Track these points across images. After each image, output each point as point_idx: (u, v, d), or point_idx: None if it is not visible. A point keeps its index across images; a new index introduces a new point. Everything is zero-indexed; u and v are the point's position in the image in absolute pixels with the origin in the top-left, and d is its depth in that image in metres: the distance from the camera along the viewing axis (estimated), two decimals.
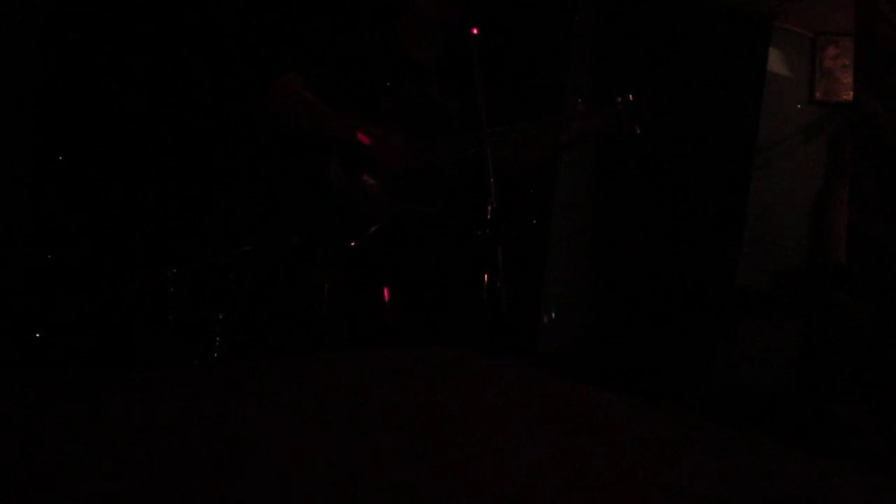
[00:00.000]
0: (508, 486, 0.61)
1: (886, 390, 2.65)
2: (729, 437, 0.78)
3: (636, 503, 0.60)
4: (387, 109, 2.09)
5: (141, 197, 3.03)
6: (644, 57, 4.08)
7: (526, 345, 3.92)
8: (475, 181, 1.90)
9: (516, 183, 2.17)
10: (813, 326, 4.04)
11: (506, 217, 1.68)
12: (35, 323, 2.77)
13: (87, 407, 0.84)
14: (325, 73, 2.11)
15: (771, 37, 4.53)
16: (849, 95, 4.34)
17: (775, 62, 4.65)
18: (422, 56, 2.19)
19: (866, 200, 2.81)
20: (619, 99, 2.11)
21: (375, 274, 2.09)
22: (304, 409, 0.85)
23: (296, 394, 0.94)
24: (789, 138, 4.71)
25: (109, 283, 2.84)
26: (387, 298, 2.08)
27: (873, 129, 2.81)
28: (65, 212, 2.93)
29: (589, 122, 2.12)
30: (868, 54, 2.87)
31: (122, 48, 3.03)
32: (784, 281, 4.18)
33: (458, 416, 0.83)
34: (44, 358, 2.72)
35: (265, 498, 0.57)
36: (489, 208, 1.68)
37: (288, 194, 2.22)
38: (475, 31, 1.83)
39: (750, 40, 4.45)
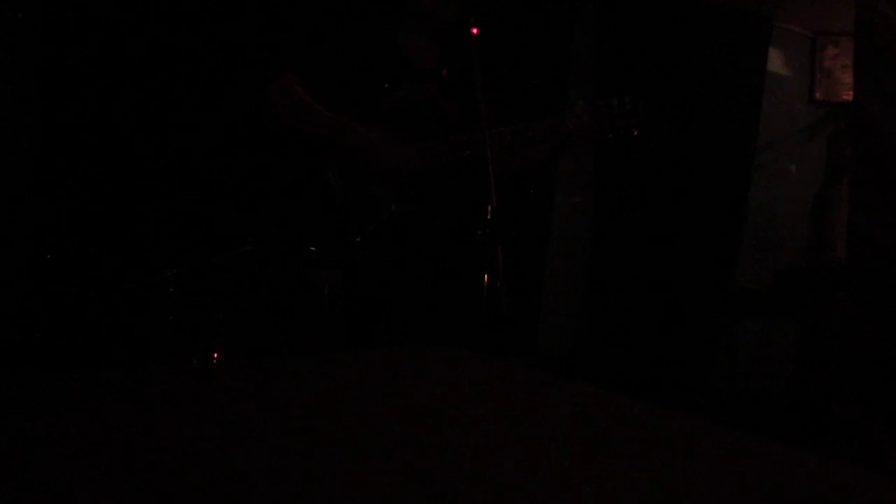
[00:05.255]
0: (508, 485, 0.61)
1: (886, 390, 2.65)
2: (729, 437, 0.78)
3: (636, 502, 0.60)
4: (385, 111, 2.09)
5: (141, 197, 3.03)
6: (644, 57, 4.08)
7: (526, 345, 3.92)
8: (473, 182, 1.90)
9: (513, 184, 2.17)
10: (813, 326, 4.04)
11: (506, 217, 1.68)
12: (35, 323, 2.77)
13: (87, 407, 0.84)
14: (323, 75, 2.11)
15: (771, 37, 4.53)
16: (849, 95, 4.34)
17: (775, 62, 4.65)
18: (420, 57, 2.19)
19: (866, 200, 2.81)
20: (616, 101, 2.10)
21: (375, 274, 2.09)
22: (305, 409, 0.85)
23: (296, 394, 0.94)
24: (789, 138, 4.71)
25: (109, 283, 2.84)
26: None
27: (873, 129, 2.81)
28: (65, 212, 2.93)
29: (584, 123, 2.11)
30: (868, 54, 2.86)
31: (124, 48, 3.03)
32: (784, 281, 4.18)
33: (459, 416, 0.83)
34: (44, 358, 2.72)
35: (266, 497, 0.57)
36: (489, 208, 1.68)
37: (287, 195, 2.22)
38: (475, 32, 1.83)
39: (750, 40, 4.45)
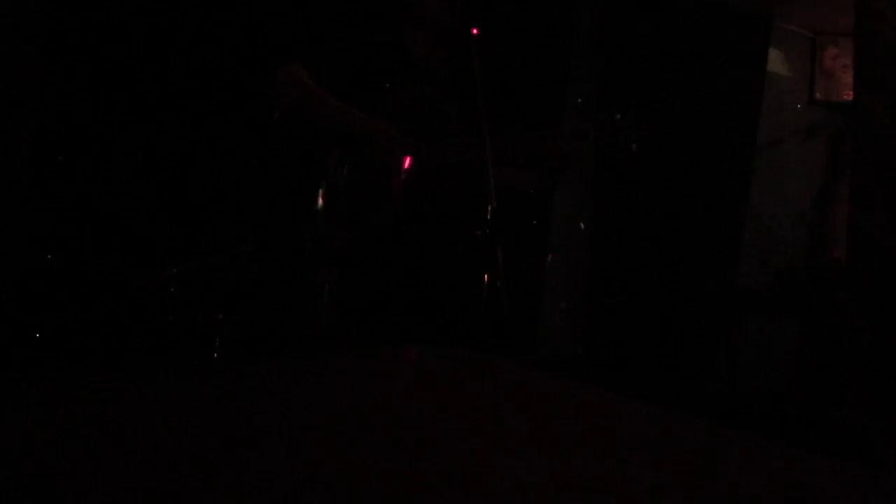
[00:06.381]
0: (508, 485, 0.61)
1: (886, 390, 2.65)
2: (729, 437, 0.78)
3: (636, 502, 0.60)
4: (387, 111, 2.09)
5: (141, 196, 3.02)
6: (644, 57, 4.08)
7: (526, 345, 3.92)
8: (473, 183, 1.90)
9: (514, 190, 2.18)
10: (813, 326, 4.04)
11: (506, 217, 1.68)
12: (35, 323, 2.77)
13: (87, 407, 0.84)
14: (328, 73, 2.11)
15: (771, 37, 4.54)
16: (849, 95, 4.34)
17: (775, 62, 4.65)
18: (425, 59, 2.19)
19: (866, 200, 2.81)
20: (618, 115, 2.09)
21: (376, 274, 2.09)
22: (304, 409, 0.85)
23: (295, 394, 0.94)
24: (789, 138, 4.71)
25: (109, 283, 2.84)
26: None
27: (873, 129, 2.81)
28: (65, 212, 2.93)
29: (585, 138, 2.10)
30: (868, 54, 2.86)
31: (123, 45, 3.03)
32: (784, 281, 4.18)
33: (458, 416, 0.83)
34: (44, 358, 2.71)
35: (265, 498, 0.57)
36: (489, 208, 1.68)
37: (289, 193, 2.22)
38: (475, 32, 1.83)
39: (750, 40, 4.45)
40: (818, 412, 3.27)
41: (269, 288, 2.68)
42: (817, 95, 4.75)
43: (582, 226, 4.13)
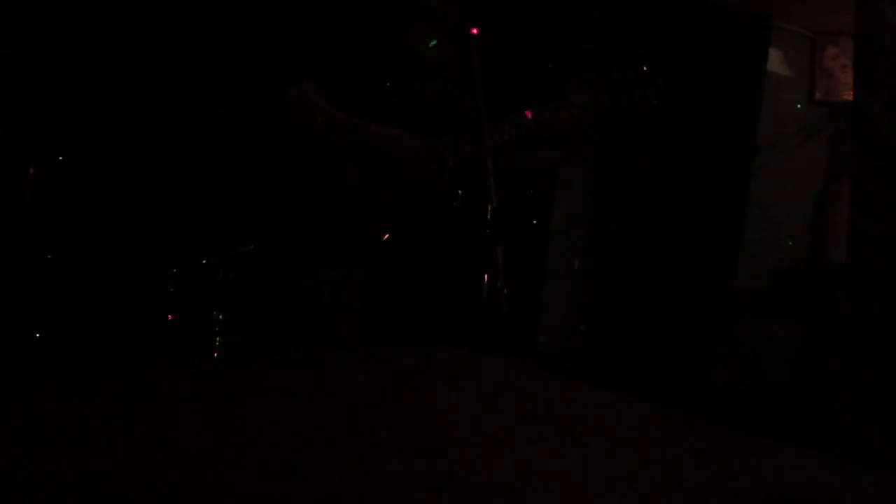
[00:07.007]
0: (508, 485, 0.61)
1: (886, 390, 2.65)
2: (729, 438, 0.78)
3: (636, 502, 0.60)
4: (397, 110, 2.09)
5: (141, 197, 3.03)
6: (644, 57, 4.08)
7: (526, 345, 3.92)
8: (476, 180, 1.90)
9: (524, 182, 2.18)
10: (813, 326, 4.04)
11: (506, 217, 1.68)
12: (35, 323, 2.77)
13: (87, 407, 0.84)
14: (337, 78, 2.11)
15: (771, 37, 4.54)
16: (849, 95, 4.34)
17: (775, 62, 4.65)
18: (432, 55, 2.19)
19: (866, 200, 2.81)
20: (632, 73, 2.09)
21: (378, 273, 2.09)
22: (304, 409, 0.85)
23: (295, 394, 0.94)
24: (789, 138, 4.71)
25: (109, 283, 2.84)
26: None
27: (873, 129, 2.81)
28: (65, 212, 2.93)
29: (598, 100, 2.10)
30: (868, 54, 2.86)
31: (125, 48, 3.03)
32: (784, 281, 4.18)
33: (459, 417, 0.83)
34: (44, 358, 2.72)
35: (264, 497, 0.57)
36: (489, 208, 1.68)
37: (304, 197, 2.23)
38: (475, 32, 1.83)
39: (750, 40, 4.45)
40: (818, 412, 3.27)
41: (269, 288, 2.68)
42: (817, 95, 4.75)
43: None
